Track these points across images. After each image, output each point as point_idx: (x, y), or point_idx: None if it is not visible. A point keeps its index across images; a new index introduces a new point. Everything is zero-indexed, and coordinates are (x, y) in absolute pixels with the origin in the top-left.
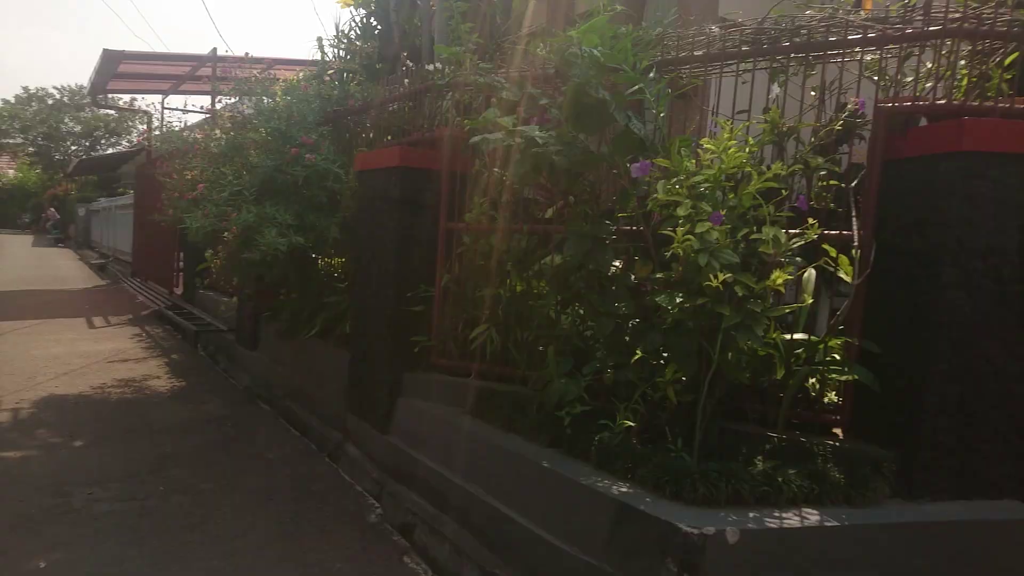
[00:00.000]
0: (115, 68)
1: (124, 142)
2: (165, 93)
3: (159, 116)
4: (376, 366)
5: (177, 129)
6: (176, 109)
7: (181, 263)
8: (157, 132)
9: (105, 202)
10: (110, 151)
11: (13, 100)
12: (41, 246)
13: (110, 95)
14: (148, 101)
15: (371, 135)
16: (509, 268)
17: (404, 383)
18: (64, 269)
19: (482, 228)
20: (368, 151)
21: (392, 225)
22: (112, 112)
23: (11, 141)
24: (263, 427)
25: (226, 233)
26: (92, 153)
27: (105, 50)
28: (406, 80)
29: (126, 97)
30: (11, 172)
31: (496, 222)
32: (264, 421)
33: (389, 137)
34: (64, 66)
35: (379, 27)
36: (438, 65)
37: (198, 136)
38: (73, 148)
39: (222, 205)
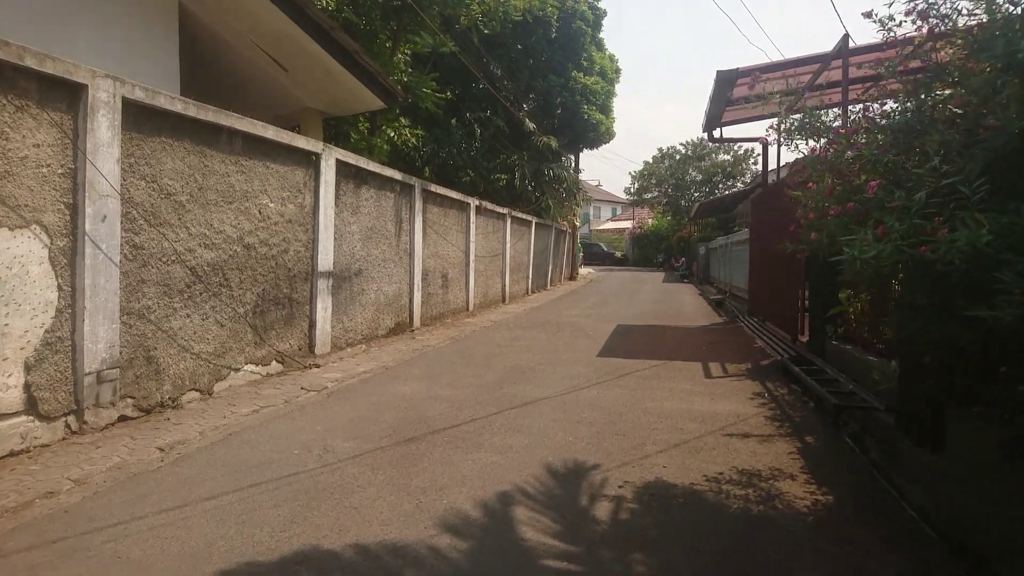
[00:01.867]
0: (730, 91)
1: (739, 184)
2: (782, 116)
3: (775, 141)
4: None
5: (814, 111)
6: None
7: (805, 302)
8: (772, 165)
9: (721, 240)
10: (726, 193)
11: (651, 160)
12: (670, 281)
13: (725, 128)
14: (762, 128)
15: None
16: None
17: None
18: (685, 304)
19: None
20: None
21: None
22: (728, 157)
23: (648, 196)
24: None
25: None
26: (710, 197)
27: (719, 72)
28: None
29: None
30: (650, 221)
31: None
32: None
33: None
34: (688, 128)
35: None
36: None
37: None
38: (696, 195)
39: (914, 216)
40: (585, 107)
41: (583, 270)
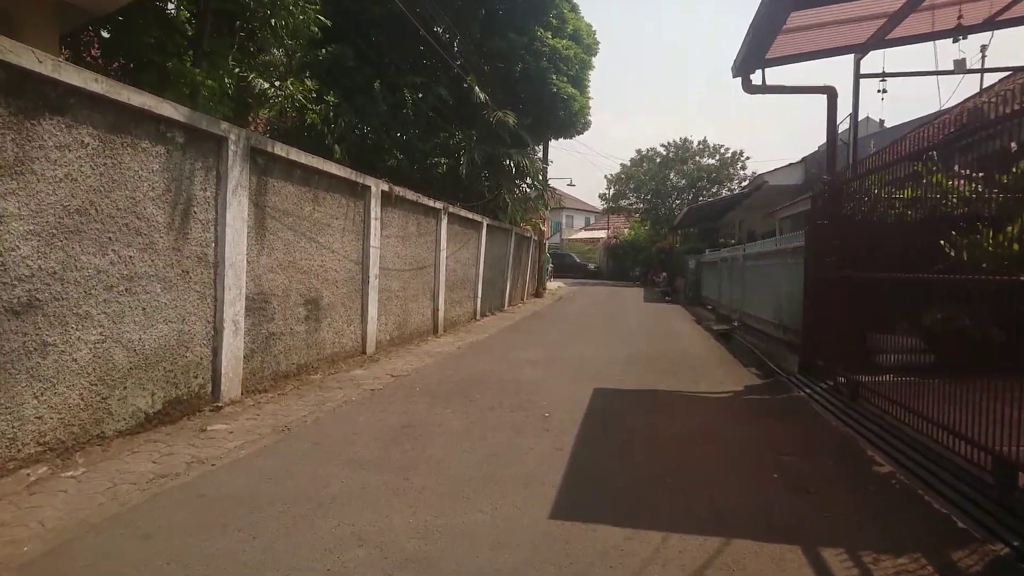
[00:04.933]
0: None
1: (724, 191)
2: (862, 49)
3: (852, 88)
4: None
5: None
6: (892, 75)
7: None
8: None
9: (724, 252)
10: (716, 199)
11: (629, 163)
12: (652, 300)
13: (771, 68)
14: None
15: None
16: None
17: None
18: (685, 339)
19: None
20: None
21: None
22: (713, 161)
23: (625, 203)
24: None
25: None
26: (694, 204)
27: None
28: None
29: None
30: (626, 230)
31: None
32: None
33: None
34: (653, 137)
35: None
36: None
37: None
38: (677, 203)
39: None
40: (554, 77)
41: (552, 284)
